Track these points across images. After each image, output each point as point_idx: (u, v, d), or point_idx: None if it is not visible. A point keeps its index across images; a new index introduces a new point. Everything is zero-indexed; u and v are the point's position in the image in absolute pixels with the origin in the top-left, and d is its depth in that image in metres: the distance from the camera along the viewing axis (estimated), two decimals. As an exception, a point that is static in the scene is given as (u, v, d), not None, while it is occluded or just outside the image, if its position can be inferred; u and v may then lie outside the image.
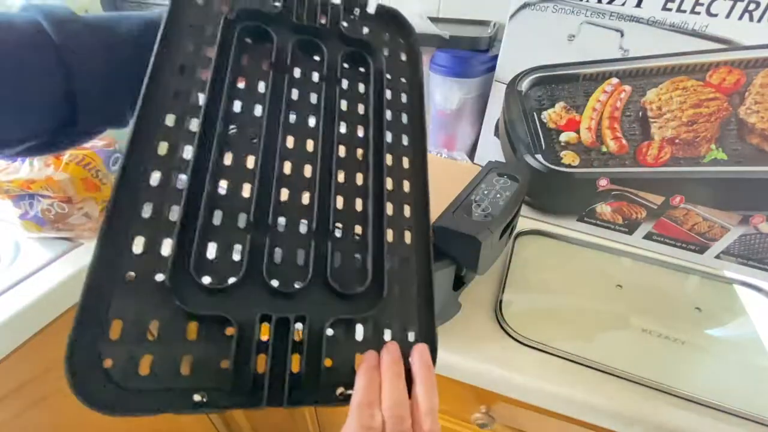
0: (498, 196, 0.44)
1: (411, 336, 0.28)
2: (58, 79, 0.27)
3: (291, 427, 0.84)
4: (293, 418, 0.80)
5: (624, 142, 0.55)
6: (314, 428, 0.81)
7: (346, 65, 0.33)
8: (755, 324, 0.50)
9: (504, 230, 0.43)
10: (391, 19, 0.34)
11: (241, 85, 0.29)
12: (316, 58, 0.32)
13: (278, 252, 0.26)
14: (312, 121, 0.30)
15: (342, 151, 0.30)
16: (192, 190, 0.25)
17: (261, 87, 0.29)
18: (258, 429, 0.98)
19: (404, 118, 0.33)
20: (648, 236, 0.60)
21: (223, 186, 0.27)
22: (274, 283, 0.25)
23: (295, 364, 0.24)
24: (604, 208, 0.60)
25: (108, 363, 0.21)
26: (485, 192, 0.45)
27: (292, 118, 0.30)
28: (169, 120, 0.27)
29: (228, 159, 0.27)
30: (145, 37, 0.29)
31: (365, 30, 0.33)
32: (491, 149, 0.65)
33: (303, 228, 0.27)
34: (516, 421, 0.52)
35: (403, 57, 0.35)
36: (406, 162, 0.32)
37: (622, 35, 0.49)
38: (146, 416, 0.21)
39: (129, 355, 0.22)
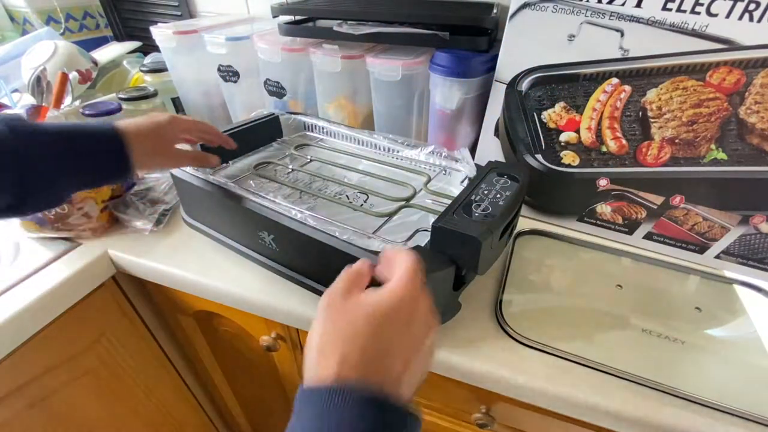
0: (498, 196, 0.44)
1: None
2: (14, 178, 0.34)
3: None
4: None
5: (624, 142, 0.55)
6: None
7: None
8: (755, 324, 0.50)
9: (504, 230, 0.43)
10: None
11: None
12: None
13: None
14: None
15: None
16: None
17: None
18: (258, 429, 0.98)
19: None
20: (648, 236, 0.60)
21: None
22: None
23: None
24: (604, 208, 0.60)
25: None
26: (485, 192, 0.45)
27: None
28: None
29: None
30: (95, 143, 0.39)
31: None
32: (491, 149, 0.65)
33: None
34: (516, 421, 0.52)
35: None
36: None
37: (622, 35, 0.49)
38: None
39: None
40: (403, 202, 0.51)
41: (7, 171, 0.34)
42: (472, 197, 0.44)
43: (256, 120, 0.64)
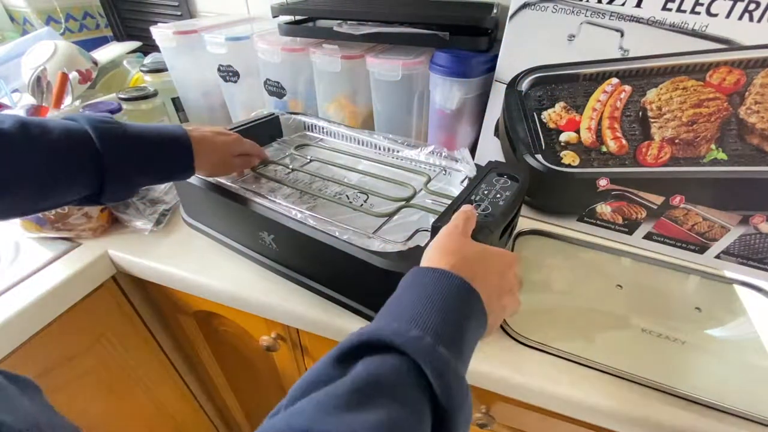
0: (498, 196, 0.44)
1: None
2: (96, 177, 0.39)
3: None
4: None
5: (624, 142, 0.55)
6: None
7: None
8: (755, 324, 0.50)
9: (504, 230, 0.43)
10: None
11: None
12: None
13: None
14: None
15: None
16: None
17: None
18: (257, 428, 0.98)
19: None
20: (648, 236, 0.60)
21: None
22: None
23: None
24: (604, 208, 0.60)
25: None
26: (485, 192, 0.45)
27: None
28: None
29: None
30: (167, 146, 0.44)
31: None
32: (491, 149, 0.65)
33: None
34: (516, 421, 0.52)
35: None
36: None
37: (622, 35, 0.49)
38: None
39: None
40: (403, 202, 0.51)
41: (89, 170, 0.38)
42: (472, 197, 0.44)
43: (256, 120, 0.64)
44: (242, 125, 0.62)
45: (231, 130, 0.59)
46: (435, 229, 0.40)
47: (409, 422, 0.21)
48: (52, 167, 0.37)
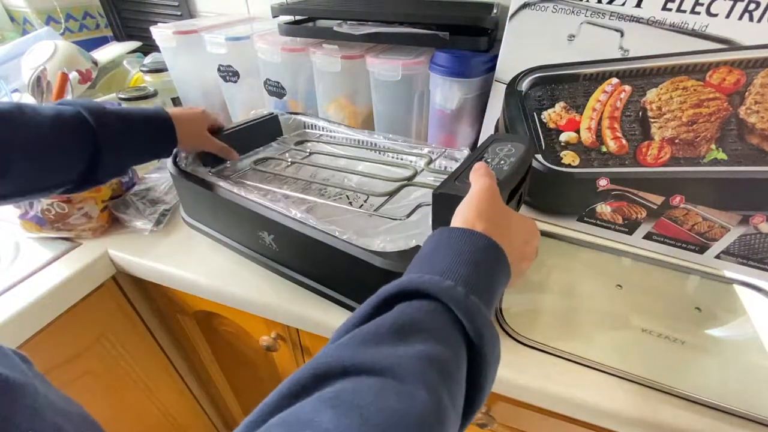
0: (502, 162, 0.42)
1: None
2: (91, 151, 0.43)
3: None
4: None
5: (624, 142, 0.55)
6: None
7: None
8: (755, 324, 0.50)
9: (511, 196, 0.42)
10: None
11: None
12: None
13: None
14: None
15: None
16: None
17: None
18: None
19: None
20: (648, 236, 0.60)
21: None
22: None
23: None
24: (604, 208, 0.60)
25: None
26: (488, 160, 0.42)
27: None
28: None
29: None
30: (152, 121, 0.49)
31: None
32: (491, 149, 0.65)
33: None
34: (516, 421, 0.52)
35: None
36: None
37: (622, 35, 0.49)
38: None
39: None
40: (405, 181, 0.50)
41: (84, 143, 0.43)
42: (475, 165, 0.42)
43: (255, 120, 0.64)
44: (242, 125, 0.62)
45: (229, 129, 0.59)
46: (436, 197, 0.39)
47: (447, 356, 0.23)
48: (49, 141, 0.41)
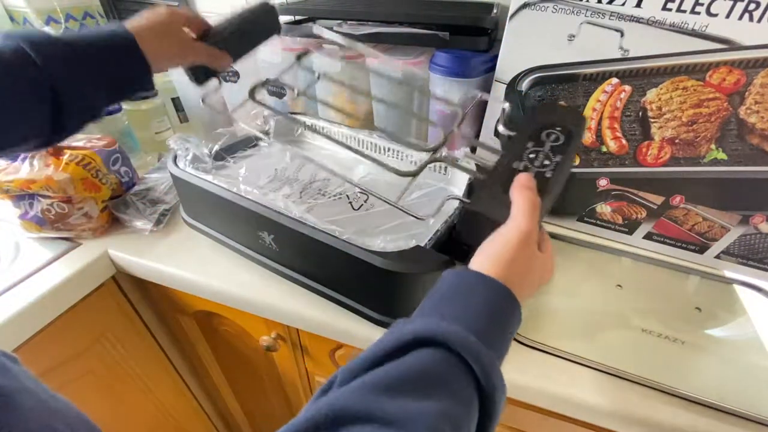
0: (546, 164, 0.35)
1: None
2: (44, 94, 0.35)
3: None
4: (292, 416, 0.80)
5: (624, 142, 0.55)
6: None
7: None
8: (755, 324, 0.50)
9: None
10: None
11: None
12: None
13: None
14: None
15: None
16: None
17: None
18: (257, 429, 0.98)
19: None
20: (648, 236, 0.60)
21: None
22: None
23: None
24: (604, 208, 0.60)
25: None
26: (532, 156, 0.36)
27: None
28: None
29: None
30: (110, 47, 0.39)
31: None
32: (491, 149, 0.65)
33: None
34: (516, 421, 0.52)
35: None
36: None
37: (622, 35, 0.49)
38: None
39: None
40: (432, 153, 0.44)
41: (36, 87, 0.35)
42: (514, 166, 0.36)
43: (248, 12, 0.51)
44: (231, 22, 0.50)
45: (219, 30, 0.50)
46: (471, 214, 0.35)
47: (460, 411, 0.23)
48: None
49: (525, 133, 0.38)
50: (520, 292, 0.30)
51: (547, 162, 0.36)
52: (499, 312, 0.28)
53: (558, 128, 0.38)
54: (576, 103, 0.55)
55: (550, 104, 0.40)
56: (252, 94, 0.51)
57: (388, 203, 0.39)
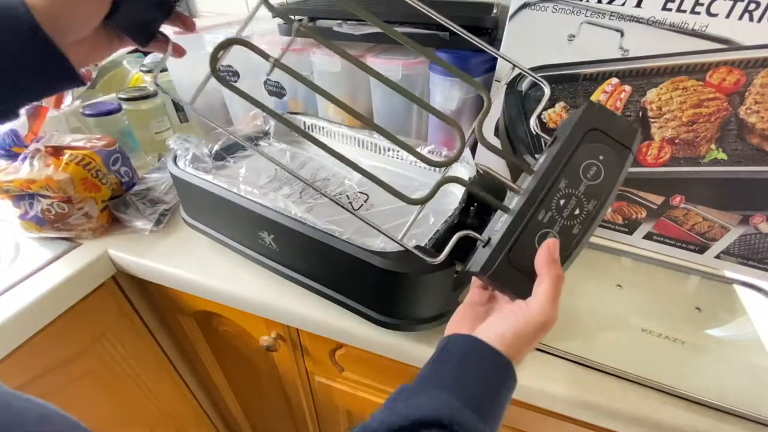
0: (576, 213, 0.30)
1: None
2: None
3: (290, 426, 0.84)
4: (292, 416, 0.80)
5: (624, 142, 0.55)
6: (314, 428, 0.81)
7: None
8: (755, 324, 0.50)
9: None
10: None
11: None
12: None
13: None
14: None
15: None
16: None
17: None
18: (257, 428, 0.98)
19: None
20: (648, 236, 0.60)
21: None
22: None
23: None
24: (604, 208, 0.60)
25: None
26: (561, 203, 0.30)
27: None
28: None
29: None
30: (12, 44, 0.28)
31: None
32: (491, 149, 0.65)
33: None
34: (516, 421, 0.52)
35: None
36: None
37: (622, 35, 0.49)
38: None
39: None
40: (444, 168, 0.40)
41: None
42: (539, 217, 0.31)
43: None
44: None
45: None
46: (491, 277, 0.31)
47: None
48: None
49: (560, 159, 0.31)
50: (520, 355, 0.31)
51: (577, 212, 0.31)
52: (502, 389, 0.30)
53: (600, 157, 0.32)
54: (576, 104, 0.55)
55: (601, 109, 0.32)
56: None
57: (399, 201, 0.36)
